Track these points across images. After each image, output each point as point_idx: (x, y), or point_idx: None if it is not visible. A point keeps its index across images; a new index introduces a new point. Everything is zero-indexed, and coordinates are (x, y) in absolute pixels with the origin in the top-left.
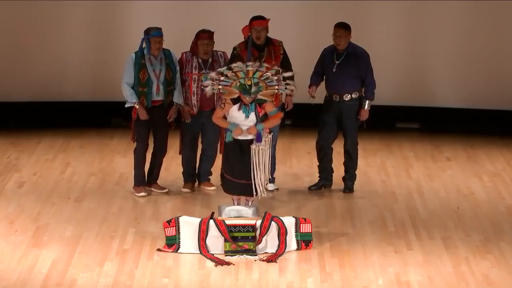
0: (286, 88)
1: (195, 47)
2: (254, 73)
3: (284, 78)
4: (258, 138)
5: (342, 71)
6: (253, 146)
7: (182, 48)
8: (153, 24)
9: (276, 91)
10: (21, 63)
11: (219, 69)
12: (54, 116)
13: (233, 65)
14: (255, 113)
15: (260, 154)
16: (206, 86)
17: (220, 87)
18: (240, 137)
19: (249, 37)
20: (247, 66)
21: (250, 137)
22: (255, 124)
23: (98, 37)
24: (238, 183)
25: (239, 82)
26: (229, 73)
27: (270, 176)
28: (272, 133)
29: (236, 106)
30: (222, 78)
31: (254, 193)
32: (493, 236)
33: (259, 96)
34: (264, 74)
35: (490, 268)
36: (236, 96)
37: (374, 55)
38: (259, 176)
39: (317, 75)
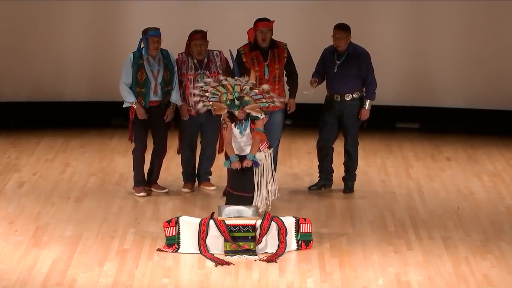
0: (273, 102)
1: (188, 49)
2: (233, 87)
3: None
4: (256, 164)
5: (343, 71)
6: (254, 168)
7: (181, 49)
8: (153, 24)
9: (265, 104)
10: (21, 63)
11: (198, 84)
12: (54, 116)
13: (221, 78)
14: (250, 129)
15: (263, 169)
16: (197, 103)
17: (210, 103)
18: (240, 151)
19: (254, 39)
20: (228, 80)
21: (248, 150)
22: (246, 156)
23: (98, 37)
24: (237, 195)
25: (224, 97)
26: (209, 89)
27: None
28: (272, 148)
29: (234, 124)
30: (207, 94)
31: (255, 202)
32: (493, 236)
33: (248, 111)
34: (244, 88)
35: (490, 268)
36: (225, 111)
37: (374, 56)
38: (260, 190)
39: (319, 74)
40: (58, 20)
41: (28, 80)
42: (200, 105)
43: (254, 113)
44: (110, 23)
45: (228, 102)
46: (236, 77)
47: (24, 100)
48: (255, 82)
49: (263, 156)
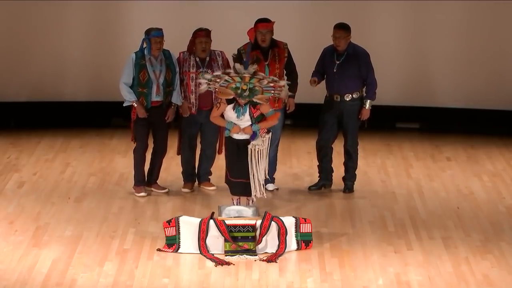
0: (279, 93)
1: (192, 46)
2: (250, 79)
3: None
4: (253, 136)
5: (342, 71)
6: (249, 146)
7: (181, 48)
8: (153, 24)
9: (272, 94)
10: (21, 63)
11: (215, 73)
12: (54, 116)
13: (233, 68)
14: (249, 114)
15: (258, 154)
16: (201, 84)
17: (216, 86)
18: (237, 137)
19: (255, 40)
20: (245, 70)
21: (246, 136)
22: (251, 125)
23: (98, 37)
24: (237, 182)
25: (235, 85)
26: (226, 77)
27: (268, 176)
28: (271, 132)
29: (231, 106)
30: (218, 80)
31: (253, 192)
32: (493, 236)
33: (254, 100)
34: (261, 81)
35: (490, 268)
36: (230, 96)
37: (374, 56)
38: (257, 176)
39: (318, 74)
40: (58, 20)
41: (28, 80)
42: (203, 86)
43: (258, 101)
44: (110, 23)
45: (239, 91)
46: (260, 73)
47: (24, 100)
48: (276, 78)
49: (261, 141)
